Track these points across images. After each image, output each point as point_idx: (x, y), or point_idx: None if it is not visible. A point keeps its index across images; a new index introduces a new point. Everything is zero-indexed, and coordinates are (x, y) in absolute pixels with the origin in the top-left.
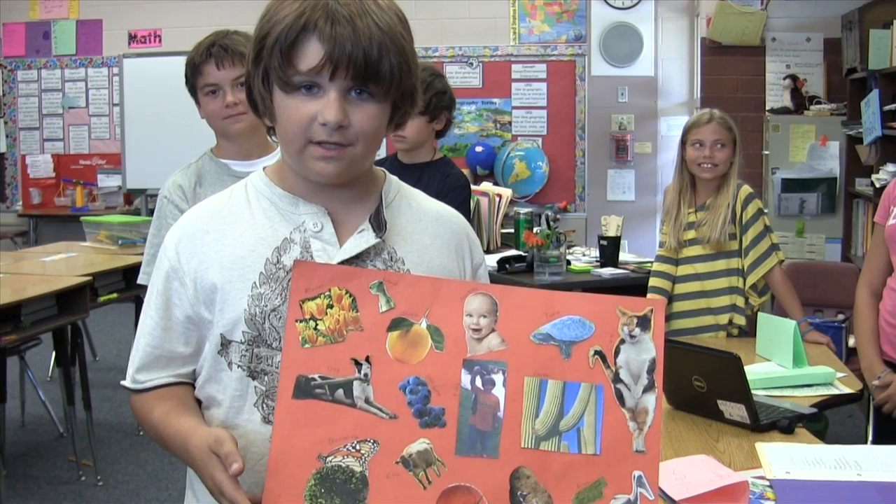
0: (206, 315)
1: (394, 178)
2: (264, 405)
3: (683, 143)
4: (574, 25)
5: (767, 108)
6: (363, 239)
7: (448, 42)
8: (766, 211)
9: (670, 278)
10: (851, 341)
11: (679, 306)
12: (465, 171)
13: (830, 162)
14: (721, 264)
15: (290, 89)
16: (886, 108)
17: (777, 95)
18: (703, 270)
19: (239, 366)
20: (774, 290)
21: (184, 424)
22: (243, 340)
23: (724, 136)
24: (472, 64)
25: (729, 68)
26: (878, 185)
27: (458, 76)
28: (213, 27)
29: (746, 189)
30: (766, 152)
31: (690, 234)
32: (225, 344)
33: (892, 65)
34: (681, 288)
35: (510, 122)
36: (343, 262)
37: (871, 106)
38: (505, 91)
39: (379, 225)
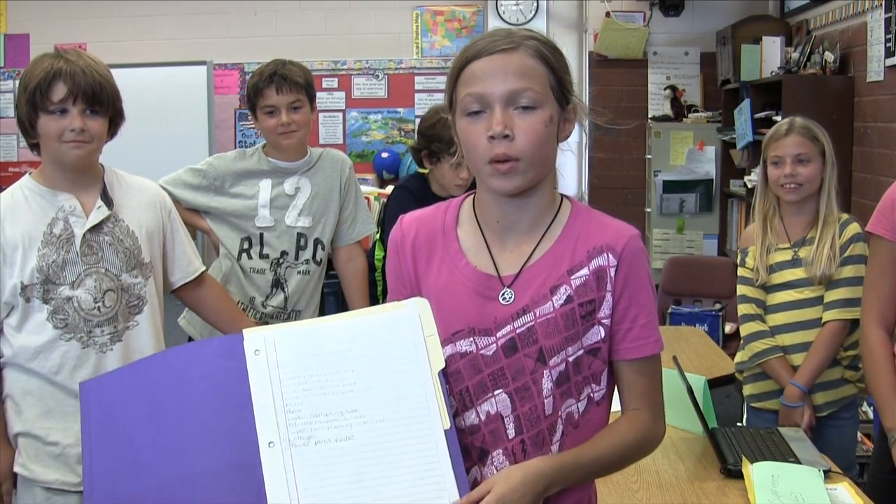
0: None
1: (108, 167)
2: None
3: (764, 161)
4: None
5: (649, 116)
6: (101, 212)
7: (356, 55)
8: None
9: (762, 305)
10: (728, 328)
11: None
12: (372, 176)
13: (707, 165)
14: (819, 291)
15: None
16: (757, 115)
17: (658, 104)
18: (800, 297)
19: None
20: (820, 336)
21: None
22: (37, 281)
23: (809, 150)
24: (377, 76)
25: (614, 80)
26: (749, 186)
27: (365, 87)
28: (136, 41)
29: (856, 227)
30: (649, 156)
31: (798, 273)
32: (24, 287)
33: (762, 76)
34: (777, 318)
35: (413, 130)
36: (89, 230)
37: (743, 114)
38: (409, 101)
39: (108, 202)
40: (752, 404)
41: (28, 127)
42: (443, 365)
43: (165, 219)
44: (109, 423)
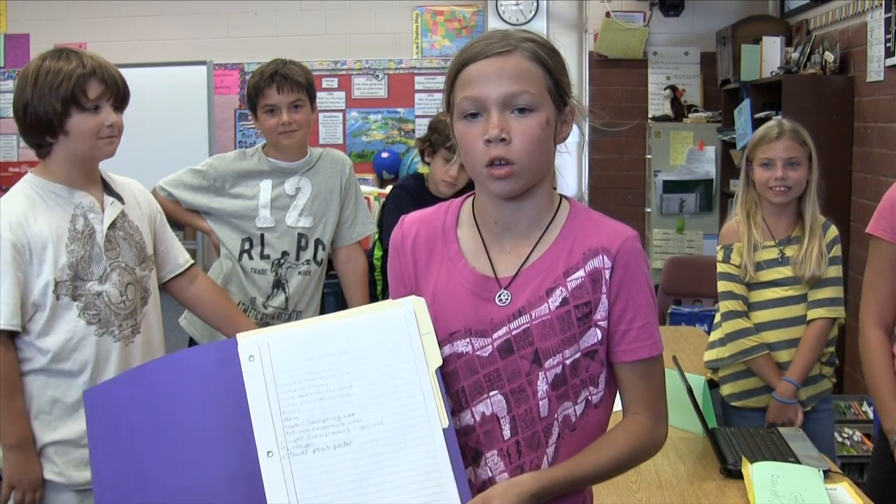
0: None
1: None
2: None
3: (750, 160)
4: None
5: (649, 116)
6: (115, 208)
7: (356, 55)
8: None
9: (747, 302)
10: None
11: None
12: (372, 176)
13: (707, 165)
14: (804, 289)
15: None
16: (757, 115)
17: (658, 104)
18: (785, 295)
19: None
20: (809, 334)
21: None
22: (67, 278)
23: (798, 153)
24: (377, 76)
25: (614, 80)
26: None
27: (364, 87)
28: (136, 41)
29: (835, 230)
30: (649, 156)
31: (784, 272)
32: (56, 284)
33: (762, 76)
34: (761, 315)
35: (413, 130)
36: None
37: (743, 114)
38: (409, 101)
39: (118, 197)
40: (733, 403)
41: (57, 126)
42: (440, 363)
43: (154, 213)
44: (113, 432)
